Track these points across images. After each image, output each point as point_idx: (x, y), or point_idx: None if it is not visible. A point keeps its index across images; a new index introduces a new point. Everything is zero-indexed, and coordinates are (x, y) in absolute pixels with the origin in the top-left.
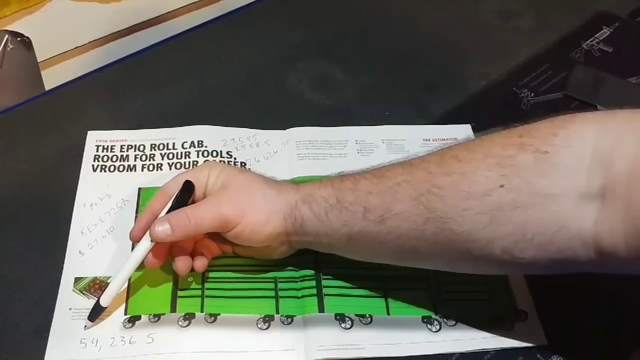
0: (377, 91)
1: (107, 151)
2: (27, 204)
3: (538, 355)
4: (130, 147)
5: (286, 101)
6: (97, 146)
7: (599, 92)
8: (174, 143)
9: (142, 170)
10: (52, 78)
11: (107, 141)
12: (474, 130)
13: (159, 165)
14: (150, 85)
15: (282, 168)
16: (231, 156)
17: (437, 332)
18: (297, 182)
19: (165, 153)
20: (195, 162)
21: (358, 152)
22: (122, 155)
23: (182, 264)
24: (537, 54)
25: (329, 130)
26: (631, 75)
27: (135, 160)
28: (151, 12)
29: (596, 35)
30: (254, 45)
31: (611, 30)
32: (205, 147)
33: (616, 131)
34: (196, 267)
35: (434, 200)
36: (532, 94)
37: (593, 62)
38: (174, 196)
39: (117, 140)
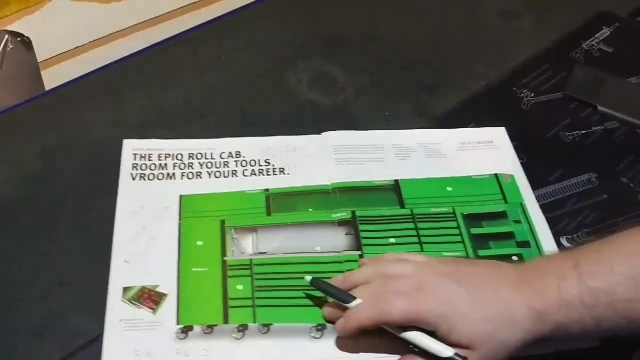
0: (377, 91)
1: (144, 159)
2: (26, 204)
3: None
4: (167, 155)
5: (285, 101)
6: (135, 154)
7: (599, 92)
8: (211, 153)
9: (182, 179)
10: (52, 78)
11: (143, 149)
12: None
13: (199, 173)
14: (150, 85)
15: (319, 172)
16: (269, 163)
17: None
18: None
19: (203, 162)
20: (234, 172)
21: (395, 156)
22: (160, 164)
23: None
24: (537, 54)
25: (364, 135)
26: (631, 75)
27: (174, 169)
28: (151, 12)
29: (596, 35)
30: (253, 45)
31: (611, 30)
32: (243, 157)
33: None
34: None
35: None
36: (532, 94)
37: (593, 62)
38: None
39: (154, 149)
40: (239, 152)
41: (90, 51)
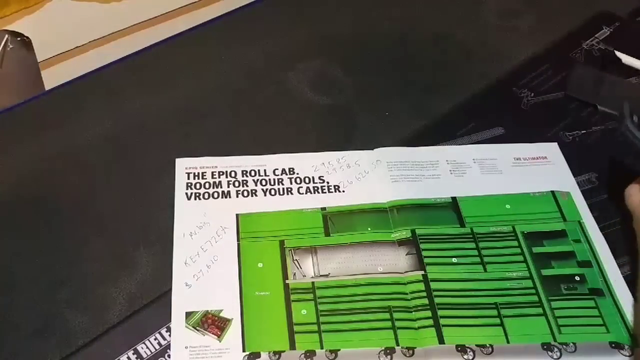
0: (377, 91)
1: (198, 178)
2: (25, 204)
3: None
4: (221, 173)
5: (285, 101)
6: (188, 173)
7: (599, 92)
8: (264, 170)
9: (237, 197)
10: (52, 78)
11: (197, 168)
12: (475, 130)
13: (254, 191)
14: (150, 85)
15: (375, 189)
16: (323, 180)
17: (558, 359)
18: None
19: (257, 179)
20: (289, 189)
21: (451, 173)
22: (214, 182)
23: None
24: (537, 54)
25: (417, 151)
26: (631, 75)
27: (228, 187)
28: (151, 12)
29: (596, 35)
30: (253, 45)
31: (611, 30)
32: (297, 174)
33: None
34: None
35: None
36: (532, 94)
37: (593, 62)
38: None
39: (207, 167)
40: (292, 168)
41: (90, 51)
